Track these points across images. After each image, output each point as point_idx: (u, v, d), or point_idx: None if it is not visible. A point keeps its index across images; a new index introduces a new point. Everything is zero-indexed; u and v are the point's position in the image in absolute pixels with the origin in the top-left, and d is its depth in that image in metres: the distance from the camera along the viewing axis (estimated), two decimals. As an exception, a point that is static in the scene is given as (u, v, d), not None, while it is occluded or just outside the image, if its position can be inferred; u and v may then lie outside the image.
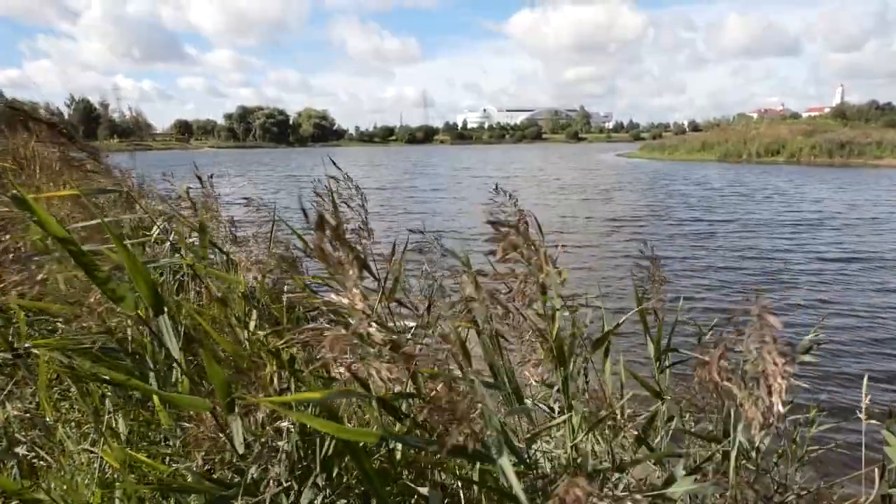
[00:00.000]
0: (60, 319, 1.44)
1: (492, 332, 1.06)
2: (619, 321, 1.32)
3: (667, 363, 1.46)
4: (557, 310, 1.02)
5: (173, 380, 1.39)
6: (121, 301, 0.91)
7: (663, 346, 1.42)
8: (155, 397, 1.36)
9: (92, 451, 1.34)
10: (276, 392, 1.27)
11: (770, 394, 0.84)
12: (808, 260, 10.76)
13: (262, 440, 1.21)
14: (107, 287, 0.91)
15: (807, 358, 1.49)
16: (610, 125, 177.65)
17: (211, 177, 2.05)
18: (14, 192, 0.86)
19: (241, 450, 1.12)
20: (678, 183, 27.50)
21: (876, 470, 1.20)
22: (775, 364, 0.85)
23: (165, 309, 0.94)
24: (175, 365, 0.99)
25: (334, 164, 1.64)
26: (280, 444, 1.18)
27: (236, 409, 1.09)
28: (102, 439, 1.28)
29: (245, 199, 1.84)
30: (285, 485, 1.18)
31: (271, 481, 1.14)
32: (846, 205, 18.39)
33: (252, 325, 1.55)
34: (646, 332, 1.41)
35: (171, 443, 1.40)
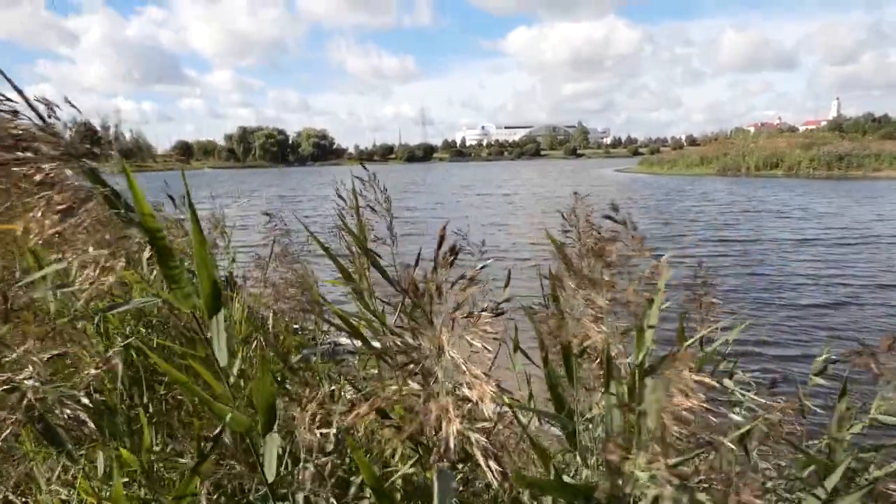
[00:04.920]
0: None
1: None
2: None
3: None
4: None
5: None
6: (184, 297, 0.88)
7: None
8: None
9: (71, 488, 1.25)
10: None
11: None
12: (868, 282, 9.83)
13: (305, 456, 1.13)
14: (175, 279, 0.87)
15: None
16: (608, 141, 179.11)
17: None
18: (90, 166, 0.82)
19: (271, 475, 1.03)
20: (685, 198, 26.87)
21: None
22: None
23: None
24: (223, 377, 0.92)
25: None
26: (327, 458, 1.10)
27: (275, 427, 1.02)
28: (81, 475, 1.19)
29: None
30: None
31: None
32: (874, 219, 17.59)
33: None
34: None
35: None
